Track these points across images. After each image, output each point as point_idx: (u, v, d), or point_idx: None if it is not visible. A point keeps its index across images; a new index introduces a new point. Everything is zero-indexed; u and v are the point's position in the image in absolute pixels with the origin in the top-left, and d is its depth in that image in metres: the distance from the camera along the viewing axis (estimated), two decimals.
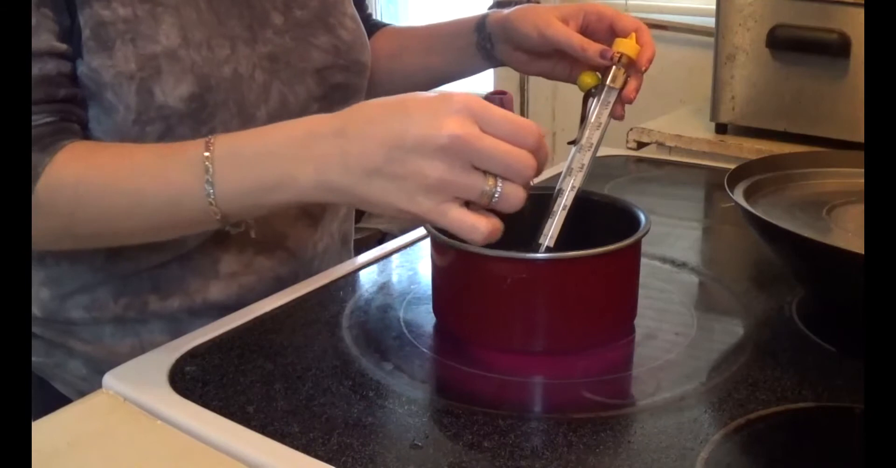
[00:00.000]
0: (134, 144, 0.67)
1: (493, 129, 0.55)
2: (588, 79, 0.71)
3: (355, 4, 0.87)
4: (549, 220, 0.66)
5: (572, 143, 0.68)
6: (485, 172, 0.55)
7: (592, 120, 0.69)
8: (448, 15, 0.94)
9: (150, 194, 0.62)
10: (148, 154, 0.64)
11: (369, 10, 0.98)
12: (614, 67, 0.70)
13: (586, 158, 0.67)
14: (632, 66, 0.71)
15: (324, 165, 0.57)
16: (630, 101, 0.72)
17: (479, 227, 0.56)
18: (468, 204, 0.57)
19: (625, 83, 0.70)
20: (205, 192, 0.60)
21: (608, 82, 0.70)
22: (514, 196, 0.56)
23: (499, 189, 0.56)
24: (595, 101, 0.70)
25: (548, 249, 0.65)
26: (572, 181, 0.67)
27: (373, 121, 0.57)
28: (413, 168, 0.55)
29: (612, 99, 0.70)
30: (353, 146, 0.56)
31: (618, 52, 0.71)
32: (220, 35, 0.72)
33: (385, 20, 1.06)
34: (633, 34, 0.73)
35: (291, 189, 0.59)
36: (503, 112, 0.56)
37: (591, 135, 0.68)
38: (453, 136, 0.54)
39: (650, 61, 0.72)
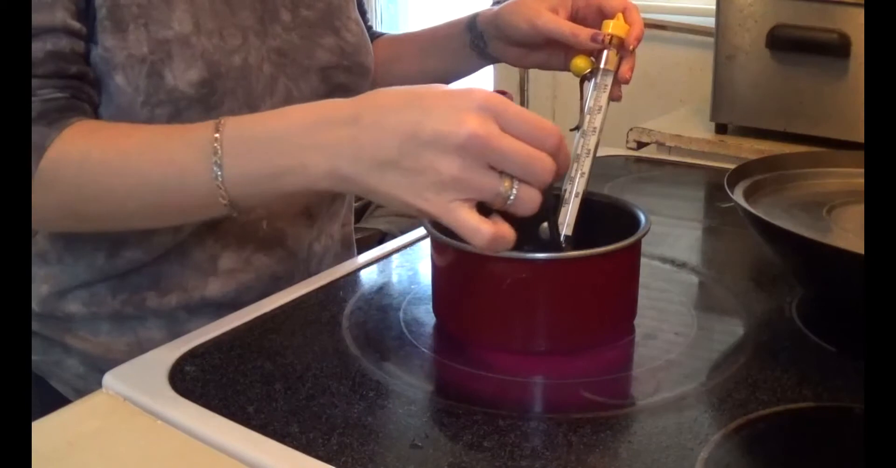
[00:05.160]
0: (143, 124, 0.67)
1: (514, 128, 0.53)
2: (581, 62, 0.71)
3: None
4: (563, 209, 0.65)
5: (575, 129, 0.68)
6: (501, 173, 0.53)
7: (592, 104, 0.69)
8: (448, 16, 0.94)
9: (155, 174, 0.61)
10: (156, 133, 0.64)
11: (371, 23, 0.99)
12: (606, 50, 0.70)
13: (591, 143, 0.67)
14: (623, 47, 0.71)
15: (335, 154, 0.56)
16: (626, 82, 0.71)
17: (482, 230, 0.53)
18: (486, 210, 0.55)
19: (618, 64, 0.70)
20: (212, 175, 0.59)
21: (602, 65, 0.70)
22: (529, 199, 0.54)
23: (514, 191, 0.54)
24: (592, 84, 0.70)
25: (566, 238, 0.65)
26: (581, 167, 0.66)
27: (388, 110, 0.55)
28: (427, 163, 0.53)
29: (609, 81, 0.70)
30: (366, 135, 0.55)
31: (608, 34, 0.70)
32: (232, 25, 0.73)
33: (385, 20, 1.08)
34: (621, 14, 0.73)
35: (301, 176, 0.57)
36: (524, 112, 0.54)
37: (592, 119, 0.68)
38: (472, 135, 0.52)
39: (639, 40, 0.72)
